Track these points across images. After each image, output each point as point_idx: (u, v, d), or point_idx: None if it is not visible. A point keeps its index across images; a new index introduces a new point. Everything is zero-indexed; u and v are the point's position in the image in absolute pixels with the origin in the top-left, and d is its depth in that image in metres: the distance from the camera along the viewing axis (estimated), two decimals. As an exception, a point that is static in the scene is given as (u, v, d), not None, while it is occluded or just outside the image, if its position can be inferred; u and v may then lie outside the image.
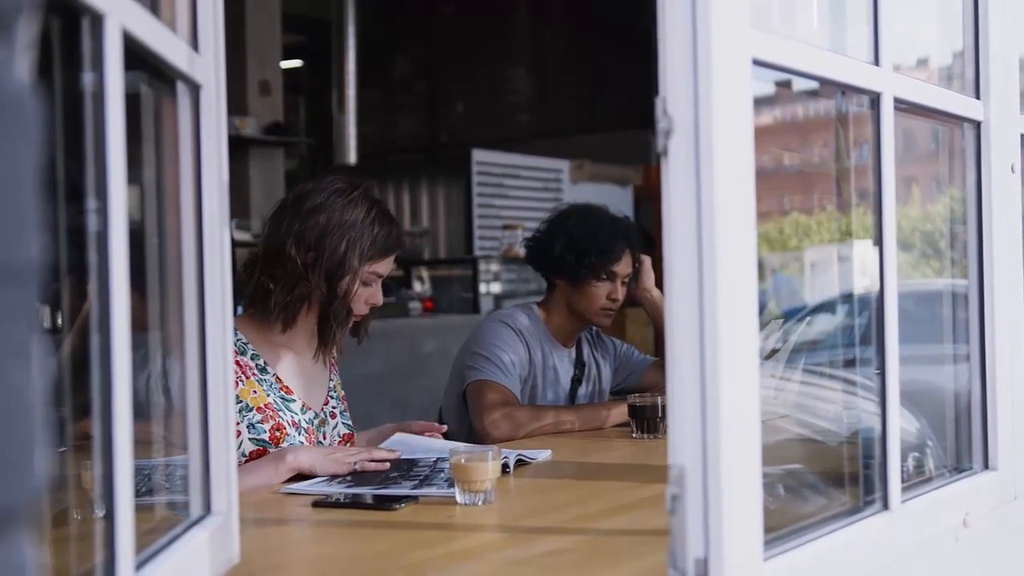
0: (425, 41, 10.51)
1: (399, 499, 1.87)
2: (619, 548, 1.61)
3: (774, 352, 2.07)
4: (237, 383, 2.21)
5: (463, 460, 1.86)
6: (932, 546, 1.65)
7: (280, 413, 2.27)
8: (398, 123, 10.69)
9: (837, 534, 1.40)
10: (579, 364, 3.08)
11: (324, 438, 2.38)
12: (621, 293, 2.97)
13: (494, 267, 7.35)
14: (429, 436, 2.43)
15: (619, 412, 2.79)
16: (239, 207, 7.03)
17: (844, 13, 1.82)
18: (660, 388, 2.75)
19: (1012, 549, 1.92)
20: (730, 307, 1.15)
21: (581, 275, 2.93)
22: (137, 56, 1.11)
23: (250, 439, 2.22)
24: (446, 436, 2.47)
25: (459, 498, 1.85)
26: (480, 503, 1.85)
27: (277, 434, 2.25)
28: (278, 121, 7.74)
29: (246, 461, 2.17)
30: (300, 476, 2.10)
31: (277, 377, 2.31)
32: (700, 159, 1.14)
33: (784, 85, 1.50)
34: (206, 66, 1.36)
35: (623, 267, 2.96)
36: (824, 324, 2.25)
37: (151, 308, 1.34)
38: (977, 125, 1.83)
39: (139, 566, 1.08)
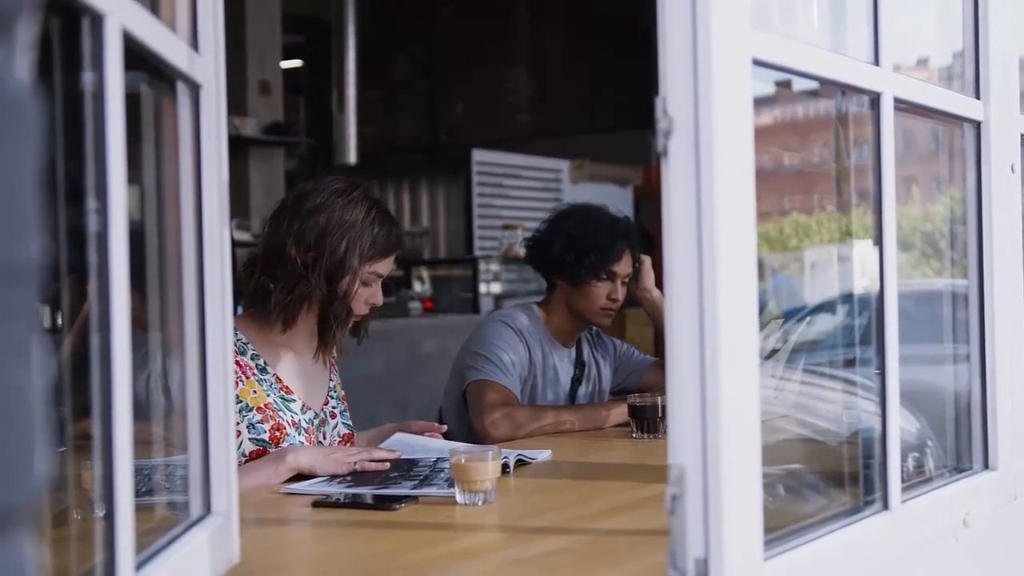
0: (425, 41, 10.51)
1: (399, 499, 1.87)
2: (619, 548, 1.61)
3: (774, 352, 2.07)
4: (237, 383, 2.21)
5: (463, 460, 1.86)
6: (932, 546, 1.65)
7: (280, 413, 2.27)
8: (398, 123, 10.69)
9: (837, 534, 1.40)
10: (579, 364, 3.08)
11: (324, 438, 2.38)
12: (621, 293, 2.97)
13: (494, 267, 7.35)
14: (429, 436, 2.43)
15: (619, 412, 2.79)
16: (239, 207, 7.03)
17: (844, 13, 1.82)
18: (660, 388, 2.75)
19: (1012, 549, 1.92)
20: (730, 307, 1.15)
21: (581, 275, 2.93)
22: (137, 56, 1.11)
23: (250, 439, 2.22)
24: (446, 436, 2.47)
25: (459, 498, 1.85)
26: (480, 503, 1.85)
27: (277, 434, 2.25)
28: (278, 121, 7.74)
29: (246, 461, 2.17)
30: (300, 476, 2.10)
31: (277, 377, 2.31)
32: (700, 159, 1.14)
33: (784, 85, 1.50)
34: (206, 66, 1.36)
35: (623, 267, 2.96)
36: (824, 324, 2.25)
37: (151, 308, 1.34)
38: (977, 125, 1.83)
39: (139, 566, 1.08)
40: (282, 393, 2.30)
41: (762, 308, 1.24)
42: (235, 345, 2.23)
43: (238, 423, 2.19)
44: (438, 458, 2.21)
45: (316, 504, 1.90)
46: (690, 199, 1.14)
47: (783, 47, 1.31)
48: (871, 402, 1.56)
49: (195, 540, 1.28)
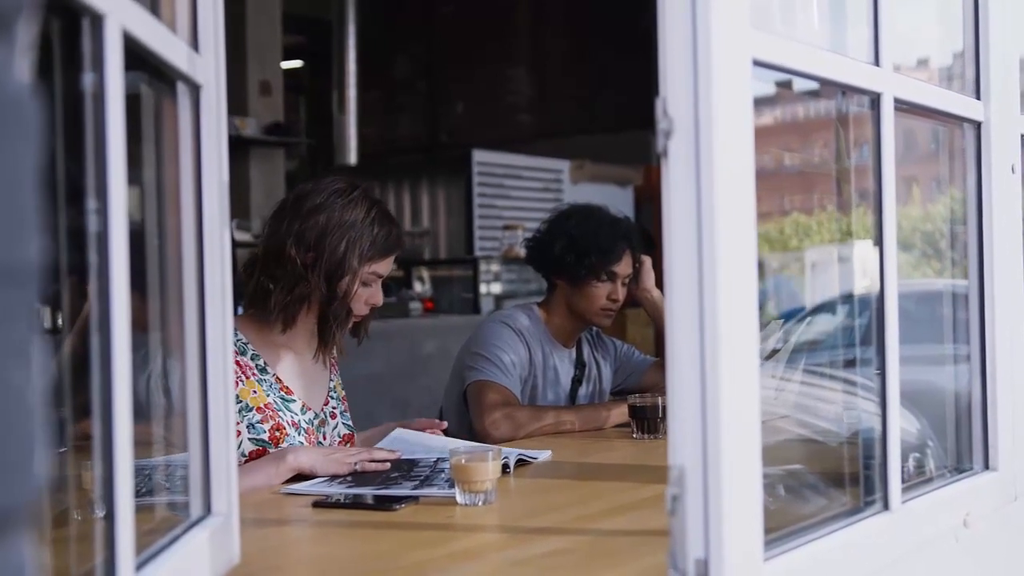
0: (425, 41, 10.51)
1: (399, 499, 1.87)
2: (619, 549, 1.61)
3: (775, 352, 2.07)
4: (237, 383, 2.21)
5: (463, 460, 1.86)
6: (932, 547, 1.65)
7: (280, 413, 2.27)
8: (398, 123, 10.69)
9: (837, 534, 1.40)
10: (579, 364, 3.08)
11: (324, 438, 2.38)
12: (621, 293, 2.97)
13: (494, 267, 7.35)
14: (431, 433, 2.43)
15: (619, 412, 2.79)
16: (239, 207, 7.03)
17: (844, 13, 1.82)
18: (660, 388, 2.75)
19: (1012, 550, 1.92)
20: (730, 307, 1.15)
21: (581, 275, 2.93)
22: (137, 56, 1.11)
23: (250, 439, 2.22)
24: (446, 433, 2.47)
25: (459, 498, 1.85)
26: (480, 503, 1.85)
27: (277, 434, 2.25)
28: (279, 121, 7.75)
29: (246, 461, 2.17)
30: (300, 476, 2.10)
31: (277, 377, 2.31)
32: (700, 160, 1.14)
33: (784, 85, 1.50)
34: (206, 66, 1.36)
35: (623, 267, 2.96)
36: (824, 324, 2.25)
37: (151, 309, 1.34)
38: (977, 125, 1.83)
39: (139, 566, 1.08)
40: (282, 393, 2.30)
41: (760, 310, 1.24)
42: (235, 345, 2.23)
43: (238, 423, 2.19)
44: (438, 458, 2.21)
45: (316, 504, 1.91)
46: (690, 200, 1.14)
47: (783, 47, 1.31)
48: (871, 402, 1.56)
49: (195, 540, 1.28)
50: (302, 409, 2.33)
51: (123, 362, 1.00)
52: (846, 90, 1.57)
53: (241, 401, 2.22)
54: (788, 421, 1.87)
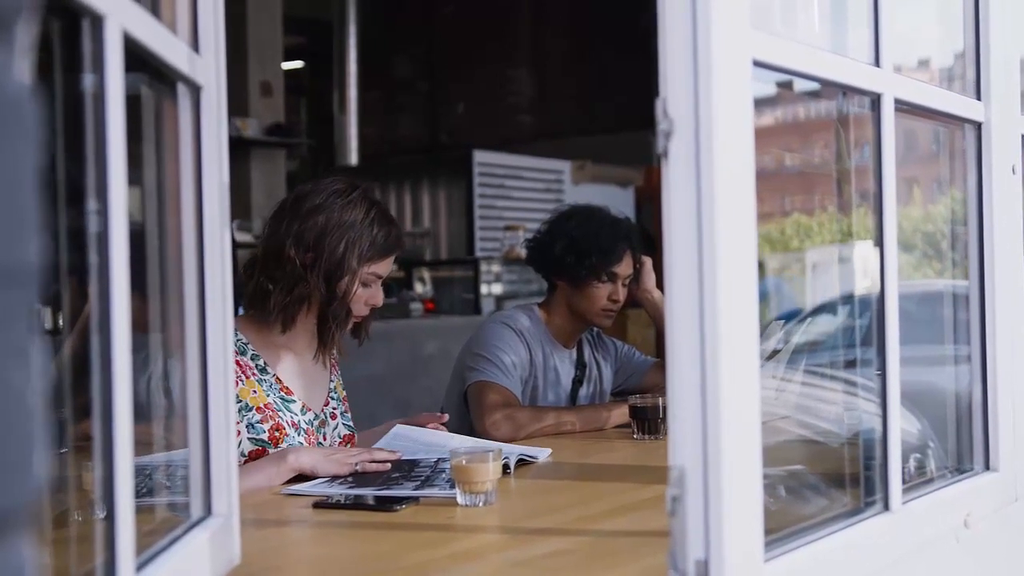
0: (426, 42, 10.51)
1: (400, 500, 1.87)
2: (620, 549, 1.61)
3: (775, 353, 2.07)
4: (237, 383, 2.21)
5: (464, 461, 1.86)
6: (933, 547, 1.65)
7: (280, 413, 2.27)
8: (399, 124, 10.70)
9: (838, 535, 1.40)
10: (580, 365, 3.08)
11: (324, 439, 2.38)
12: (622, 294, 2.97)
13: (495, 268, 7.35)
14: (432, 428, 2.43)
15: (620, 413, 2.79)
16: (240, 208, 7.04)
17: (845, 14, 1.82)
18: (661, 389, 2.75)
19: (1013, 550, 1.92)
20: (730, 308, 1.15)
21: (582, 276, 2.93)
22: (137, 57, 1.11)
23: (249, 439, 2.22)
24: (447, 427, 2.47)
25: (460, 499, 1.85)
26: (481, 504, 1.85)
27: (276, 434, 2.25)
28: (279, 122, 7.75)
29: (245, 461, 2.17)
30: (301, 477, 2.10)
31: (277, 378, 2.31)
32: (700, 160, 1.14)
33: (785, 86, 1.50)
34: (207, 67, 1.36)
35: (624, 268, 2.96)
36: (825, 325, 2.25)
37: (152, 309, 1.34)
38: (978, 126, 1.83)
39: (140, 567, 1.08)
40: (282, 394, 2.30)
41: (760, 310, 1.24)
42: (235, 345, 2.23)
43: (237, 423, 2.19)
44: (439, 459, 2.21)
45: (317, 505, 1.91)
46: (690, 200, 1.14)
47: (783, 48, 1.31)
48: (872, 403, 1.56)
49: (196, 541, 1.28)
50: (302, 410, 2.33)
51: (123, 363, 1.00)
52: (846, 91, 1.57)
53: (241, 401, 2.22)
54: (789, 422, 1.87)
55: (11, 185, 0.65)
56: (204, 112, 1.35)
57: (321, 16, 9.21)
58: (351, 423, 2.48)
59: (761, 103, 1.27)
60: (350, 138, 9.04)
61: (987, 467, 1.82)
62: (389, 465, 2.14)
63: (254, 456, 2.20)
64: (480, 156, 8.12)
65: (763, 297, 1.22)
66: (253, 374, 2.28)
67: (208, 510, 1.37)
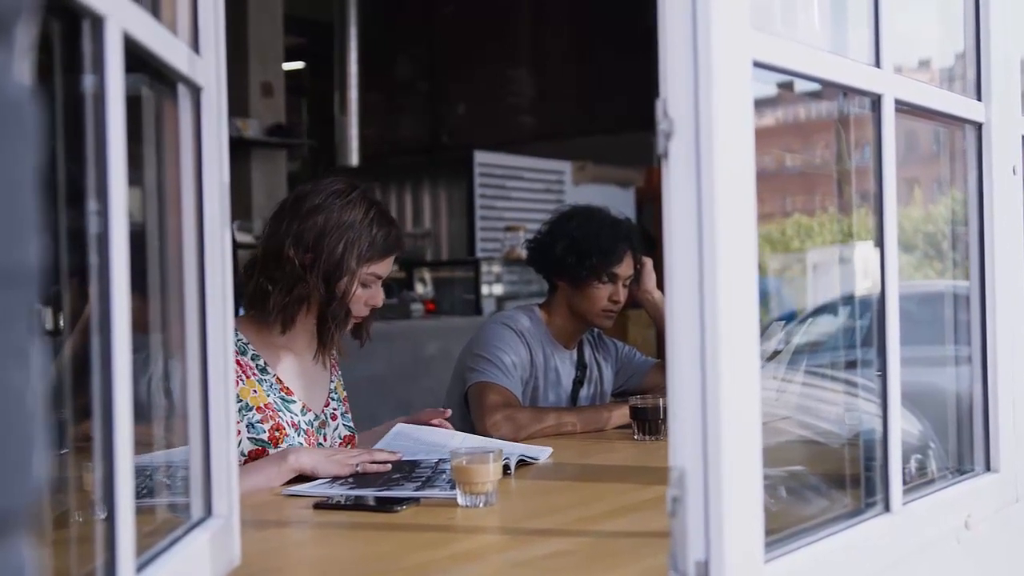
0: (426, 42, 10.51)
1: (401, 501, 1.87)
2: (620, 550, 1.61)
3: (776, 354, 2.07)
4: (237, 382, 2.21)
5: (464, 462, 1.86)
6: (934, 548, 1.65)
7: (280, 413, 2.27)
8: (400, 125, 10.69)
9: (838, 536, 1.40)
10: (580, 366, 3.08)
11: (324, 440, 2.38)
12: (623, 295, 2.97)
13: (496, 268, 7.36)
14: (436, 424, 2.43)
15: (620, 414, 2.79)
16: (241, 209, 7.04)
17: (845, 15, 1.82)
18: (662, 390, 2.75)
19: (1014, 551, 1.92)
20: (731, 308, 1.15)
21: (582, 277, 2.93)
22: (138, 58, 1.11)
23: (249, 439, 2.22)
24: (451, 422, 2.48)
25: (460, 500, 1.85)
26: (481, 505, 1.85)
27: (276, 434, 2.25)
28: (280, 123, 7.75)
29: (245, 461, 2.17)
30: (301, 477, 2.10)
31: (278, 378, 2.31)
32: (701, 161, 1.14)
33: (786, 86, 1.50)
34: (207, 68, 1.36)
35: (625, 269, 2.96)
36: (826, 326, 2.25)
37: (152, 310, 1.34)
38: (978, 127, 1.82)
39: (140, 568, 1.08)
40: (282, 394, 2.30)
41: (760, 311, 1.24)
42: (236, 345, 2.23)
43: (237, 422, 2.19)
44: (439, 459, 2.21)
45: (317, 506, 1.90)
46: (690, 201, 1.14)
47: (784, 49, 1.31)
48: (873, 404, 1.56)
49: (196, 542, 1.28)
50: (302, 410, 2.33)
51: (124, 363, 1.00)
52: (847, 91, 1.57)
53: (241, 400, 2.22)
54: (789, 422, 1.87)
55: (11, 185, 0.65)
56: (204, 113, 1.35)
57: (322, 17, 9.20)
58: (351, 424, 2.48)
59: (761, 103, 1.27)
60: (351, 139, 9.04)
61: (988, 468, 1.82)
62: (390, 466, 2.14)
63: (254, 456, 2.20)
64: (481, 157, 8.13)
65: (763, 297, 1.22)
66: (253, 374, 2.28)
67: (208, 511, 1.37)
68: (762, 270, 1.24)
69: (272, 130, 7.66)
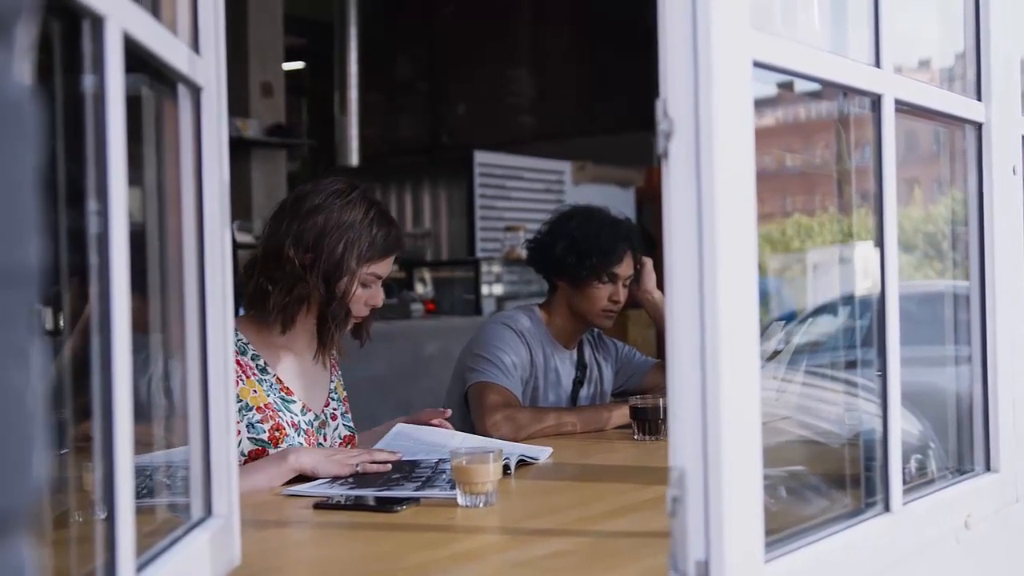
0: (426, 42, 10.51)
1: (401, 501, 1.87)
2: (620, 550, 1.61)
3: (776, 354, 2.07)
4: (237, 382, 2.21)
5: (464, 462, 1.86)
6: (934, 548, 1.65)
7: (280, 413, 2.27)
8: (400, 125, 10.69)
9: (838, 536, 1.40)
10: (580, 366, 3.08)
11: (324, 440, 2.38)
12: (623, 295, 2.97)
13: (496, 268, 7.36)
14: (437, 423, 2.43)
15: (620, 414, 2.79)
16: (241, 209, 7.04)
17: (845, 14, 1.82)
18: (662, 390, 2.75)
19: (1014, 551, 1.92)
20: (731, 308, 1.15)
21: (582, 277, 2.93)
22: (138, 58, 1.11)
23: (249, 438, 2.22)
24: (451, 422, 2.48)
25: (460, 500, 1.85)
26: (481, 505, 1.85)
27: (276, 434, 2.25)
28: (280, 123, 7.75)
29: (245, 461, 2.17)
30: (302, 477, 2.10)
31: (278, 378, 2.31)
32: (700, 161, 1.14)
33: (786, 86, 1.50)
34: (207, 68, 1.36)
35: (625, 269, 2.96)
36: (826, 326, 2.25)
37: (152, 310, 1.34)
38: (978, 127, 1.82)
39: (140, 568, 1.08)
40: (282, 394, 2.30)
41: (760, 311, 1.24)
42: (236, 345, 2.23)
43: (237, 422, 2.19)
44: (439, 459, 2.21)
45: (317, 506, 1.90)
46: (690, 201, 1.14)
47: (784, 49, 1.31)
48: (873, 404, 1.56)
49: (196, 542, 1.28)
50: (302, 410, 2.33)
51: (124, 364, 1.00)
52: (847, 91, 1.57)
53: (241, 400, 2.22)
54: (789, 422, 1.87)
55: (11, 186, 0.65)
56: (204, 113, 1.35)
57: (322, 17, 9.20)
58: (351, 424, 2.48)
59: (761, 103, 1.27)
60: (351, 139, 9.04)
61: (988, 468, 1.82)
62: (390, 466, 2.14)
63: (254, 456, 2.20)
64: (481, 157, 8.13)
65: (763, 297, 1.22)
66: (253, 374, 2.28)
67: (208, 511, 1.37)
68: (762, 270, 1.24)
69: (272, 130, 7.66)
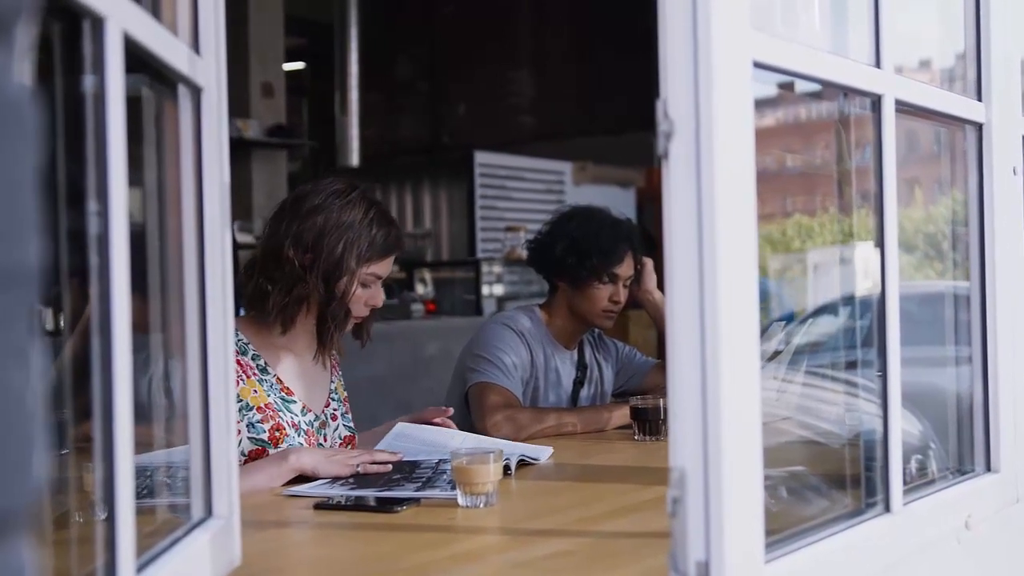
0: (427, 43, 10.50)
1: (401, 501, 1.87)
2: (621, 550, 1.61)
3: (776, 354, 2.07)
4: (238, 382, 2.21)
5: (465, 462, 1.86)
6: (934, 548, 1.65)
7: (280, 413, 2.27)
8: (400, 125, 10.69)
9: (839, 536, 1.40)
10: (581, 366, 3.08)
11: (325, 440, 2.38)
12: (623, 295, 2.97)
13: (496, 269, 7.35)
14: (441, 422, 2.43)
15: (621, 414, 2.79)
16: (242, 209, 7.04)
17: (846, 15, 1.82)
18: (662, 390, 2.74)
19: (1014, 551, 1.92)
20: (731, 309, 1.15)
21: (583, 277, 2.93)
22: (138, 59, 1.11)
23: (249, 438, 2.22)
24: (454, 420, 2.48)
25: (461, 500, 1.85)
26: (482, 505, 1.85)
27: (276, 434, 2.25)
28: (281, 123, 7.75)
29: (245, 461, 2.17)
30: (302, 478, 2.10)
31: (278, 378, 2.31)
32: (701, 161, 1.14)
33: (786, 87, 1.50)
34: (207, 69, 1.36)
35: (625, 269, 2.96)
36: (826, 326, 2.25)
37: (153, 310, 1.34)
38: (979, 127, 1.82)
39: (140, 569, 1.08)
40: (283, 394, 2.30)
41: (761, 311, 1.24)
42: (236, 345, 2.23)
43: (238, 422, 2.19)
44: (440, 460, 2.21)
45: (318, 506, 1.90)
46: (691, 201, 1.14)
47: (784, 49, 1.31)
48: (873, 404, 1.56)
49: (196, 543, 1.28)
50: (303, 411, 2.33)
51: (124, 364, 1.00)
52: (847, 92, 1.57)
53: (241, 400, 2.22)
54: (790, 423, 1.87)
55: (11, 186, 0.65)
56: (205, 113, 1.35)
57: (322, 17, 9.20)
58: (352, 424, 2.48)
59: (762, 104, 1.27)
60: (351, 139, 9.04)
61: (988, 468, 1.82)
62: (390, 466, 2.14)
63: (254, 456, 2.20)
64: (481, 157, 8.12)
65: (763, 298, 1.22)
66: (254, 374, 2.28)
67: (209, 511, 1.37)
68: (763, 270, 1.24)
69: (272, 130, 7.66)
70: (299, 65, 10.28)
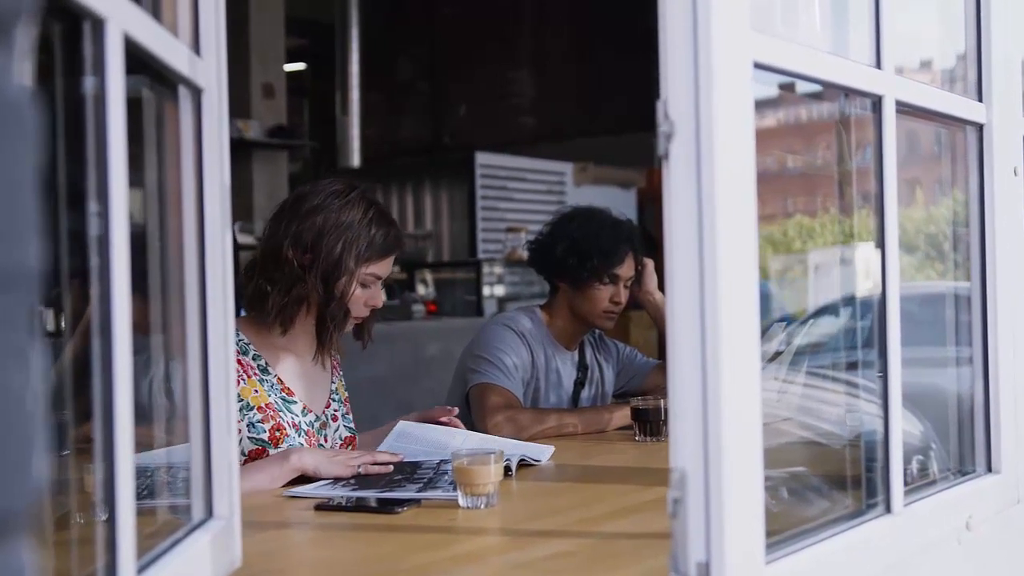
0: (427, 43, 10.50)
1: (402, 502, 1.87)
2: (621, 551, 1.61)
3: (777, 355, 2.07)
4: (238, 382, 2.21)
5: (466, 463, 1.86)
6: (935, 549, 1.64)
7: (280, 414, 2.27)
8: (401, 125, 10.68)
9: (839, 537, 1.40)
10: (582, 367, 3.08)
11: (325, 441, 2.38)
12: (624, 296, 2.97)
13: (497, 270, 7.35)
14: (446, 420, 2.43)
15: (622, 415, 2.79)
16: (242, 210, 7.04)
17: (846, 15, 1.82)
18: (663, 391, 2.73)
19: (1015, 552, 1.92)
20: (731, 309, 1.15)
21: (583, 278, 2.93)
22: (139, 60, 1.11)
23: (249, 438, 2.22)
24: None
25: (462, 501, 1.85)
26: (483, 506, 1.85)
27: (277, 434, 2.25)
28: (281, 124, 7.75)
29: (245, 461, 2.17)
30: (303, 478, 2.10)
31: (279, 378, 2.31)
32: (701, 162, 1.14)
33: (787, 87, 1.50)
34: (208, 70, 1.36)
35: (626, 270, 2.96)
36: (827, 327, 2.25)
37: (153, 311, 1.34)
38: (979, 128, 1.82)
39: (141, 570, 1.08)
40: (283, 394, 2.30)
41: (761, 312, 1.24)
42: (237, 345, 2.23)
43: (238, 422, 2.19)
44: (441, 460, 2.21)
45: (319, 507, 1.90)
46: (691, 202, 1.14)
47: (784, 50, 1.31)
48: (874, 405, 1.56)
49: (197, 544, 1.28)
50: (303, 411, 2.33)
51: (124, 365, 1.00)
52: (848, 92, 1.57)
53: (242, 400, 2.22)
54: (790, 423, 1.87)
55: (11, 187, 0.65)
56: (205, 114, 1.35)
57: (323, 18, 9.21)
58: (353, 425, 2.48)
59: (762, 105, 1.27)
60: (352, 140, 9.05)
61: (989, 469, 1.82)
62: (391, 467, 2.14)
63: (254, 456, 2.20)
64: (482, 158, 8.12)
65: (764, 299, 1.22)
66: (255, 374, 2.28)
67: (209, 512, 1.37)
68: (763, 271, 1.24)
69: (273, 131, 7.66)
70: (300, 66, 10.29)
